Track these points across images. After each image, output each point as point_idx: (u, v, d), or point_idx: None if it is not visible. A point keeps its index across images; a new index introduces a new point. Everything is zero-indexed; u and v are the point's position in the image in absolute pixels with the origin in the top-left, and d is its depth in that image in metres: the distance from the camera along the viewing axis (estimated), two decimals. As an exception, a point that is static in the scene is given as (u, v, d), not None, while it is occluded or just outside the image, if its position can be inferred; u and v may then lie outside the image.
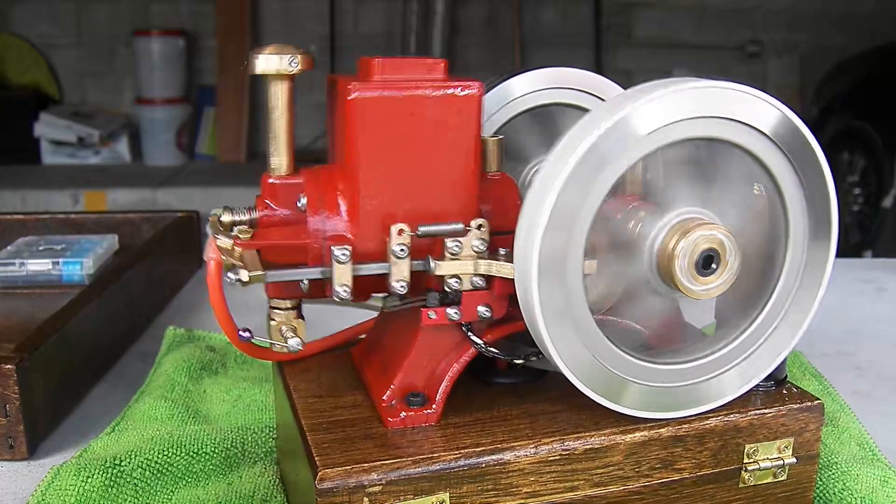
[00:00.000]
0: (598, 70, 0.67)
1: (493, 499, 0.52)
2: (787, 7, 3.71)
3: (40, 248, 1.06)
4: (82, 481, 0.63)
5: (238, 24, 3.45)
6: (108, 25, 3.51)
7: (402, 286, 0.52)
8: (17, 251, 1.05)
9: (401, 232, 0.51)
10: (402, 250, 0.51)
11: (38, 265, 1.01)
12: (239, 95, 3.49)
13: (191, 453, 0.67)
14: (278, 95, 0.53)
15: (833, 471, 0.65)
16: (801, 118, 0.52)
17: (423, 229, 0.52)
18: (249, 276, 0.49)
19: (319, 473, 0.49)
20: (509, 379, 0.60)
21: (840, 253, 0.57)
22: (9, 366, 0.69)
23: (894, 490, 0.63)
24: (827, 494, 0.63)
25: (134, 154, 3.54)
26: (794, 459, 0.58)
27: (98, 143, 3.42)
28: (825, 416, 0.64)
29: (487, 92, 0.64)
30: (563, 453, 0.53)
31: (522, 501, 0.53)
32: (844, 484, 0.63)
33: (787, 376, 0.60)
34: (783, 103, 0.52)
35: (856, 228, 2.78)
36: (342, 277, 0.51)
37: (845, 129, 2.85)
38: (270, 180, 0.54)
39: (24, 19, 3.49)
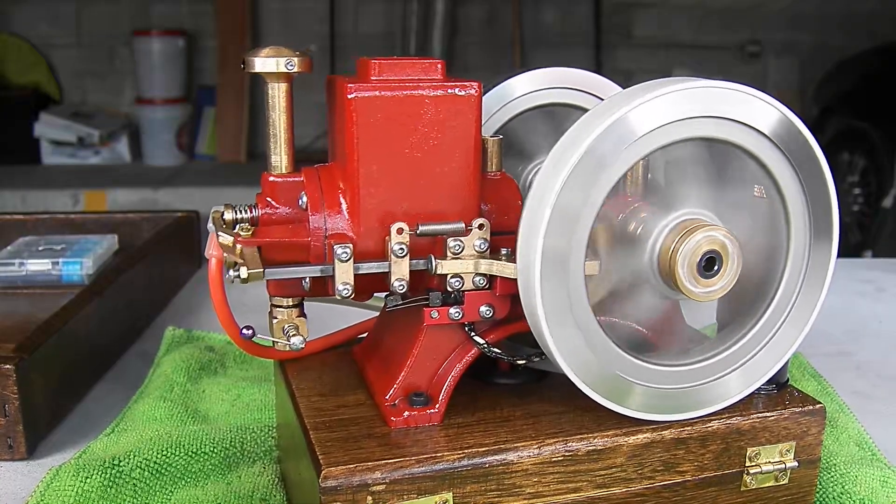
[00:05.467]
0: (598, 70, 0.67)
1: (496, 499, 0.52)
2: (787, 7, 3.71)
3: (40, 248, 1.06)
4: (81, 481, 0.63)
5: (238, 24, 3.45)
6: (108, 25, 3.51)
7: (401, 285, 0.52)
8: (17, 251, 1.05)
9: (400, 231, 0.51)
10: (401, 249, 0.52)
11: (37, 265, 1.01)
12: (239, 95, 3.49)
13: (190, 453, 0.67)
14: (277, 95, 0.53)
15: (832, 473, 0.64)
16: (800, 118, 0.52)
17: (422, 228, 0.52)
18: (249, 273, 0.49)
19: (323, 472, 0.49)
20: (512, 380, 0.60)
21: (840, 253, 0.57)
22: (8, 366, 0.68)
23: (894, 490, 0.63)
24: (826, 498, 0.63)
25: (134, 154, 3.54)
26: (796, 463, 0.58)
27: (98, 143, 3.41)
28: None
29: (487, 92, 0.64)
30: (567, 454, 0.53)
31: (526, 502, 0.53)
32: (843, 487, 0.63)
33: (788, 380, 0.60)
34: (783, 104, 0.52)
35: (856, 228, 2.78)
36: (344, 275, 0.51)
37: (845, 129, 2.85)
38: (271, 178, 0.54)
39: (24, 19, 3.49)
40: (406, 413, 0.54)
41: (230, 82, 3.47)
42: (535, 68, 0.66)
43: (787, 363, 0.58)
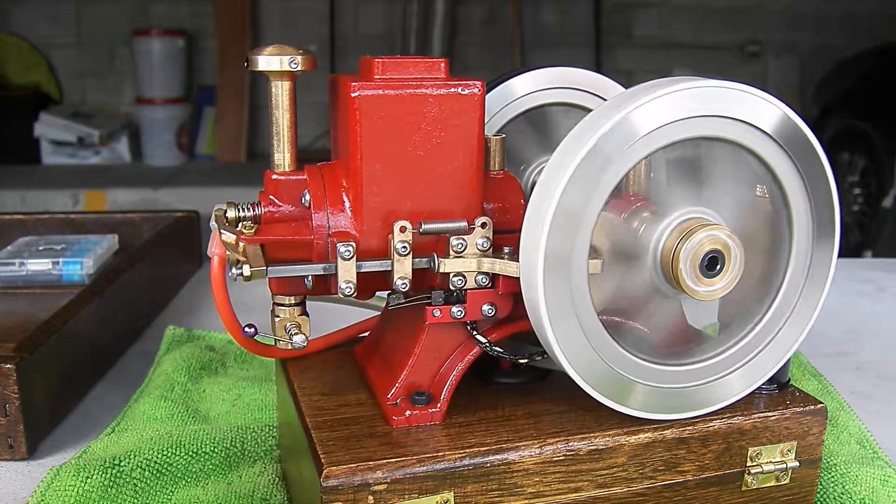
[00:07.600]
0: (598, 70, 0.66)
1: (498, 499, 0.52)
2: (786, 7, 3.71)
3: (40, 248, 1.06)
4: (81, 482, 0.63)
5: (238, 24, 3.44)
6: (108, 25, 3.50)
7: (404, 284, 0.52)
8: (17, 251, 1.05)
9: (403, 229, 0.51)
10: (404, 248, 0.52)
11: (38, 265, 1.01)
12: (239, 95, 3.49)
13: (190, 453, 0.67)
14: (280, 93, 0.53)
15: (832, 473, 0.64)
16: (801, 117, 0.52)
17: (425, 227, 0.52)
18: (252, 271, 0.49)
19: (325, 471, 0.49)
20: (513, 379, 0.60)
21: (840, 253, 0.57)
22: (9, 366, 0.68)
23: (895, 489, 0.63)
24: (827, 498, 0.63)
25: (134, 154, 3.54)
26: (797, 463, 0.58)
27: (98, 143, 3.41)
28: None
29: (489, 91, 0.64)
30: (568, 454, 0.53)
31: (527, 502, 0.53)
32: (844, 487, 0.63)
33: (789, 380, 0.60)
34: (784, 103, 0.52)
35: (856, 228, 2.78)
36: (346, 274, 0.51)
37: (845, 129, 2.85)
38: (274, 176, 0.54)
39: (24, 19, 3.49)
40: (408, 412, 0.54)
41: (230, 82, 3.46)
42: (537, 68, 0.66)
43: (788, 363, 0.58)
